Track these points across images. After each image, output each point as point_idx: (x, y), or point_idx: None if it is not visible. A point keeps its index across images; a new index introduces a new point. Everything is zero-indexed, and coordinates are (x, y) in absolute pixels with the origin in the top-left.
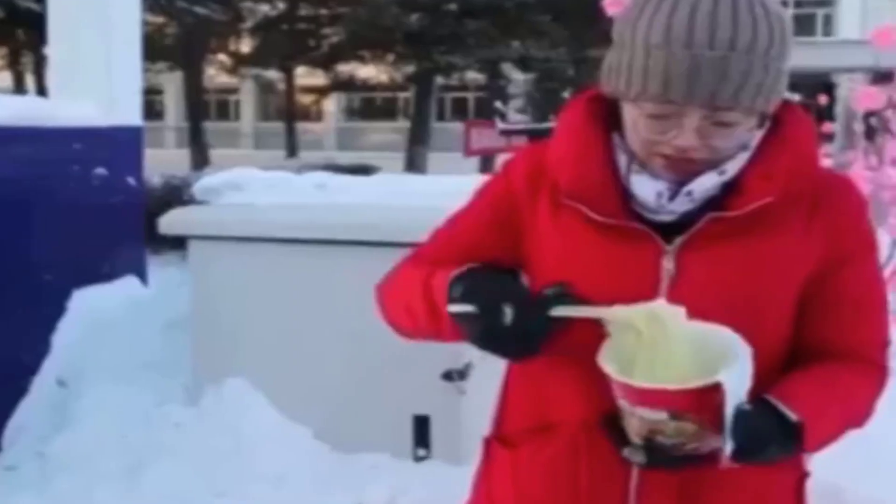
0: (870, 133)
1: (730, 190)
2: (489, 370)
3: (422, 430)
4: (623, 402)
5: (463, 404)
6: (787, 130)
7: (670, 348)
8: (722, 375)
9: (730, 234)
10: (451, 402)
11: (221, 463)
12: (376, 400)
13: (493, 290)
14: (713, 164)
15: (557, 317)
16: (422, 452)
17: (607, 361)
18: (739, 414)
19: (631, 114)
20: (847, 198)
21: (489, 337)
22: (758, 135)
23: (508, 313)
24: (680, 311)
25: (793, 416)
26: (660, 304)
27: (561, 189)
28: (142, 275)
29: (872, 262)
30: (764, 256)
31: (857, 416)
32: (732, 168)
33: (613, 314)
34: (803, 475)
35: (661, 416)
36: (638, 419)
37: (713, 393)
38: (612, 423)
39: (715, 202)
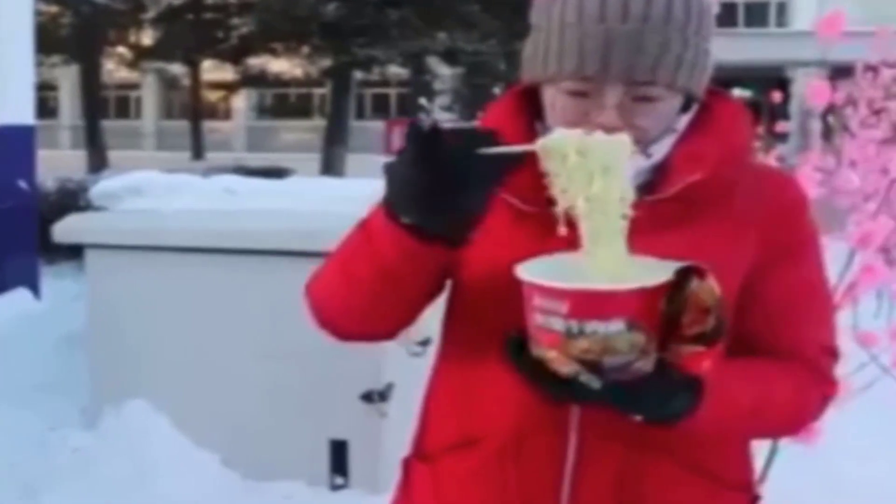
0: (827, 132)
1: (659, 175)
2: (412, 391)
3: (339, 455)
4: (567, 325)
5: (384, 428)
6: (718, 118)
7: (610, 187)
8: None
9: (662, 224)
10: (371, 426)
11: (122, 492)
12: (290, 423)
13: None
14: (638, 147)
15: (490, 157)
16: (339, 480)
17: (538, 275)
18: None
19: (551, 97)
20: (786, 192)
21: (429, 195)
22: (684, 118)
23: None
24: (625, 140)
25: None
26: (599, 135)
27: None
28: (34, 287)
29: (813, 261)
30: (698, 247)
31: (784, 413)
32: (659, 151)
33: (543, 143)
34: (753, 498)
35: (617, 327)
36: (588, 340)
37: (660, 296)
38: (535, 366)
39: (647, 189)
